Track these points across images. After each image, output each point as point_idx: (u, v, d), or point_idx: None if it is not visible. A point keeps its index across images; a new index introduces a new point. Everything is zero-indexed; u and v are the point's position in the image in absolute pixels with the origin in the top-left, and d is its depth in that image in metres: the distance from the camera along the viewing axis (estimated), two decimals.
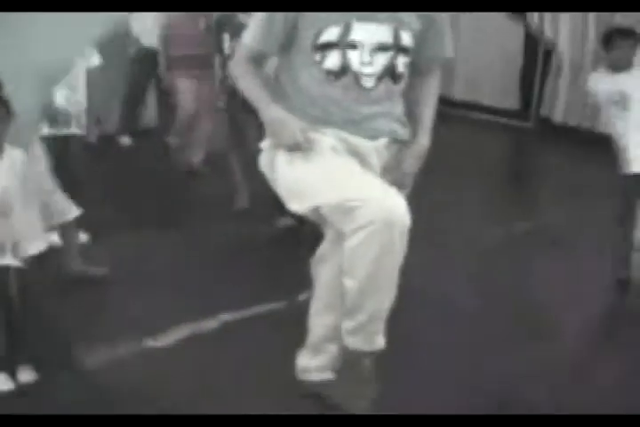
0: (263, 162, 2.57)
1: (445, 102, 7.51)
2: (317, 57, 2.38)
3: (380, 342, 2.46)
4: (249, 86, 2.51)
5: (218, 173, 5.02)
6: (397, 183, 2.50)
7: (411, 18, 2.40)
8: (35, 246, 2.86)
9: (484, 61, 7.46)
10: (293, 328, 2.88)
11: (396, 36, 2.39)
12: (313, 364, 2.70)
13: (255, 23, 2.44)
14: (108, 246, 3.91)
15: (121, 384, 2.83)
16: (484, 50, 7.43)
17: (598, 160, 6.02)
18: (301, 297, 3.33)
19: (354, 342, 2.45)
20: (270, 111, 2.44)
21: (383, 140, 2.51)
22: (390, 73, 2.43)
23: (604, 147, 6.16)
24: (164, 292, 3.50)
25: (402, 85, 2.52)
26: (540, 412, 2.69)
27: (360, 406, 2.61)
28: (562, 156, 6.42)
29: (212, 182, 5.09)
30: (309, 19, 2.34)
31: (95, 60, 3.92)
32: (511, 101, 7.35)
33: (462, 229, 4.51)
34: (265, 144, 2.55)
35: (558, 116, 6.88)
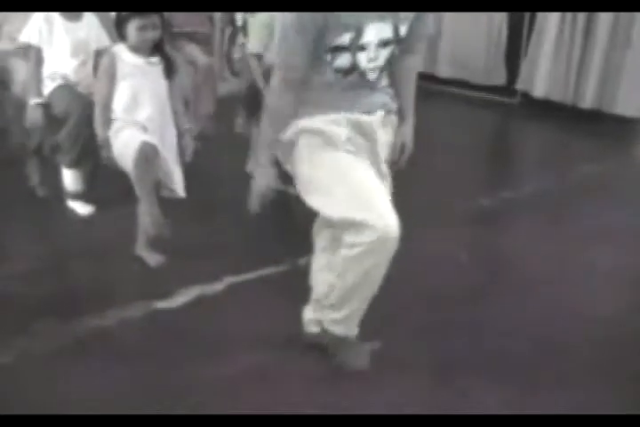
0: (282, 154, 2.70)
1: (430, 79, 7.66)
2: (328, 57, 2.51)
3: (355, 328, 2.80)
4: (274, 126, 2.61)
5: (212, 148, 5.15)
6: (394, 161, 2.80)
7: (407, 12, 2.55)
8: None
9: (468, 37, 7.51)
10: (294, 290, 3.06)
11: (396, 31, 2.55)
12: (316, 317, 2.88)
13: (287, 39, 2.48)
14: (115, 213, 4.05)
15: (132, 344, 2.98)
16: (468, 26, 7.49)
17: (580, 133, 6.27)
18: (301, 261, 3.52)
19: (336, 330, 2.78)
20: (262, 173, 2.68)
21: (380, 113, 2.69)
22: (390, 63, 2.64)
23: (585, 121, 6.43)
24: (173, 256, 3.65)
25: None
26: None
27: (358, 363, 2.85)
28: (545, 130, 6.59)
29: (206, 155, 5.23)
30: (328, 26, 2.43)
31: None
32: (497, 78, 7.44)
33: (451, 200, 4.62)
34: (285, 137, 2.65)
35: (541, 91, 6.98)
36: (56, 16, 4.08)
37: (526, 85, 7.10)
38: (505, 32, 7.29)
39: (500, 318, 3.26)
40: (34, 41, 4.07)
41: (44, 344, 2.93)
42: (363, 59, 2.52)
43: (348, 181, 2.53)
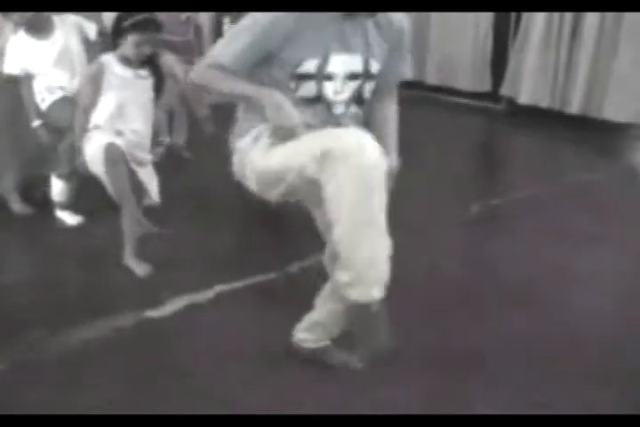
0: (237, 163, 2.56)
1: (418, 86, 7.71)
2: (292, 85, 2.41)
3: (376, 293, 2.34)
4: (227, 82, 2.40)
5: (201, 158, 5.17)
6: None
7: (381, 47, 2.48)
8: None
9: (455, 44, 7.56)
10: (284, 298, 3.07)
11: (366, 65, 2.46)
12: (310, 337, 2.83)
13: (231, 40, 2.39)
14: (104, 223, 4.05)
15: (123, 353, 2.97)
16: (454, 32, 7.54)
17: (567, 138, 6.32)
18: (291, 269, 3.56)
19: (351, 294, 2.35)
20: (270, 92, 2.34)
21: None
22: (357, 98, 2.52)
23: (572, 126, 6.47)
24: (162, 265, 3.65)
25: (365, 109, 2.61)
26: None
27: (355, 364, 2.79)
28: (532, 136, 6.62)
29: (196, 164, 5.25)
30: (290, 50, 2.35)
31: None
32: (483, 84, 7.48)
33: (438, 207, 4.66)
34: (240, 144, 2.54)
35: (526, 97, 7.02)
36: (26, 39, 4.13)
37: (512, 92, 7.14)
38: (491, 38, 7.34)
39: (491, 323, 3.26)
40: (15, 72, 4.17)
41: (35, 355, 2.93)
42: (329, 89, 2.43)
43: (306, 138, 2.32)
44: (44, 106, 4.18)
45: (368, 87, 2.53)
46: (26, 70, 4.15)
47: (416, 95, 7.67)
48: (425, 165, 5.41)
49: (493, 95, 7.36)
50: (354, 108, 2.55)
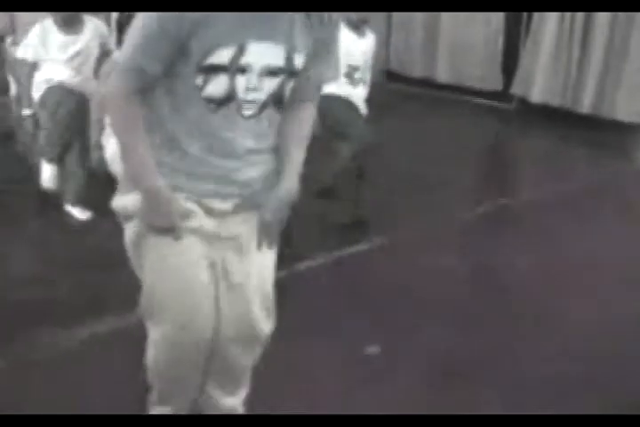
0: (129, 236, 2.18)
1: (429, 85, 7.70)
2: (199, 80, 1.93)
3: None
4: (130, 137, 2.06)
5: None
6: (262, 233, 2.16)
7: (306, 40, 1.99)
8: None
9: (466, 43, 7.55)
10: (295, 294, 3.13)
11: (290, 59, 1.98)
12: None
13: (136, 39, 1.92)
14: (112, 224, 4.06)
15: (126, 352, 2.99)
16: (465, 31, 7.54)
17: (576, 139, 6.29)
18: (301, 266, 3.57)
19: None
20: (155, 182, 2.01)
21: (240, 200, 2.12)
22: (276, 100, 2.04)
23: (582, 126, 6.45)
24: None
25: (281, 114, 2.10)
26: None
27: None
28: (541, 135, 6.59)
29: None
30: (202, 36, 1.87)
31: None
32: (494, 83, 7.46)
33: (447, 205, 4.64)
34: (126, 233, 2.19)
35: (537, 96, 7.02)
36: (52, 29, 4.14)
37: (523, 91, 7.12)
38: (502, 37, 7.32)
39: (495, 323, 3.27)
40: (28, 57, 4.17)
41: (36, 353, 2.93)
42: (240, 85, 1.95)
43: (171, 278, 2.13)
44: (36, 95, 4.21)
45: (289, 86, 2.04)
46: (37, 58, 4.17)
47: (427, 94, 7.68)
48: (435, 164, 5.41)
49: (504, 94, 7.34)
50: (270, 113, 2.06)
